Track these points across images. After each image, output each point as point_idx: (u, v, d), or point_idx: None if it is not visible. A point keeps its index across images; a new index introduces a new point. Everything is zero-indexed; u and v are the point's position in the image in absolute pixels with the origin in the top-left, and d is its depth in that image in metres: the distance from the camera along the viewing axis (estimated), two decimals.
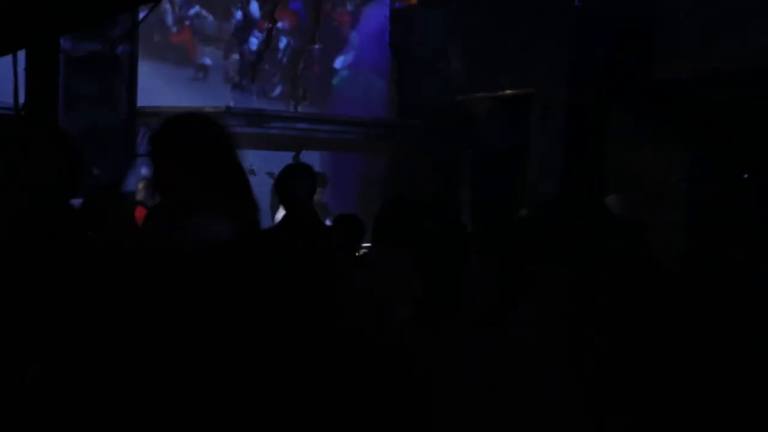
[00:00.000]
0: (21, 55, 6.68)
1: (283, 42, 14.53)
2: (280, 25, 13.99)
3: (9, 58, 6.39)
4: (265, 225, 4.42)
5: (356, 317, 3.02)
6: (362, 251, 5.39)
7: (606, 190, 7.73)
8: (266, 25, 13.79)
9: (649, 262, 2.92)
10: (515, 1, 9.87)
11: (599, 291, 2.64)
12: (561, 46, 9.35)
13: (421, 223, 4.38)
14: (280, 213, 6.18)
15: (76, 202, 2.79)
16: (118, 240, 2.51)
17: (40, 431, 1.88)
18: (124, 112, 7.79)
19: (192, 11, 15.33)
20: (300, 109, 13.27)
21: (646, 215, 6.42)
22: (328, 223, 8.12)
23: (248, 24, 14.37)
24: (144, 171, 4.92)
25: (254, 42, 14.07)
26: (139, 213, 5.49)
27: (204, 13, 15.23)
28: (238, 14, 14.68)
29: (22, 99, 6.86)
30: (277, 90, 14.54)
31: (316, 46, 14.55)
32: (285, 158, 10.47)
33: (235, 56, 14.50)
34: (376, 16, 13.27)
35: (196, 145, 2.22)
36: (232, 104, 11.86)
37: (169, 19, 14.90)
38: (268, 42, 13.32)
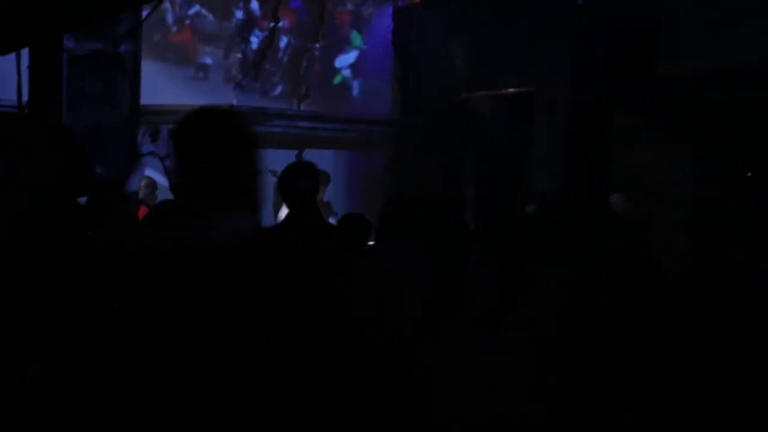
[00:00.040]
0: (24, 53, 6.70)
1: (283, 41, 14.54)
2: (280, 24, 13.99)
3: (12, 56, 6.41)
4: (268, 223, 4.44)
5: (364, 317, 3.02)
6: (369, 248, 5.39)
7: (609, 189, 7.72)
8: (268, 23, 13.79)
9: (650, 262, 2.92)
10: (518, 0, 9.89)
11: (599, 291, 2.65)
12: (564, 44, 9.35)
13: (424, 221, 4.38)
14: (284, 212, 6.19)
15: (81, 200, 2.79)
16: (120, 240, 2.51)
17: (40, 431, 1.89)
18: (126, 111, 7.80)
19: (192, 10, 15.34)
20: (302, 107, 13.29)
21: (648, 215, 6.42)
22: (331, 221, 8.14)
23: (249, 23, 14.38)
24: (147, 170, 4.90)
25: (255, 41, 14.09)
26: (142, 212, 5.50)
27: (204, 12, 15.24)
28: (239, 13, 14.69)
29: (25, 97, 6.89)
30: (278, 89, 14.55)
31: (318, 45, 14.55)
32: (288, 157, 10.49)
33: (237, 55, 14.52)
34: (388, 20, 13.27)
35: (223, 141, 2.20)
36: (234, 103, 11.89)
37: (169, 19, 14.91)
38: (271, 41, 13.33)
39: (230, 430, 1.97)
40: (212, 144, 2.18)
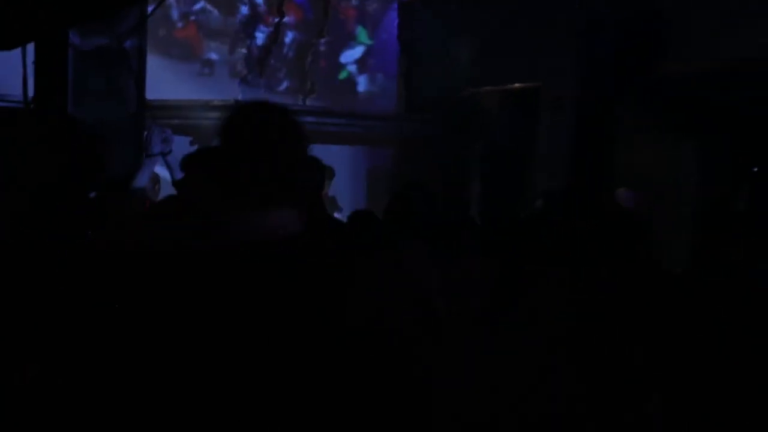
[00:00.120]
0: (30, 48, 6.71)
1: (288, 36, 14.54)
2: (285, 19, 13.99)
3: (18, 51, 6.42)
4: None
5: (365, 317, 3.02)
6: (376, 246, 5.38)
7: (612, 187, 7.72)
8: (273, 19, 13.79)
9: (650, 262, 2.93)
10: None
11: (599, 291, 2.65)
12: (569, 40, 9.34)
13: (430, 217, 4.39)
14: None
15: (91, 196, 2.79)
16: (123, 239, 2.52)
17: (40, 431, 1.90)
18: (132, 107, 7.80)
19: (197, 6, 15.34)
20: (307, 102, 13.30)
21: (651, 212, 6.42)
22: (337, 216, 8.14)
23: (254, 18, 14.38)
24: (157, 168, 4.91)
25: (260, 36, 14.09)
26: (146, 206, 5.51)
27: (209, 7, 15.24)
28: (244, 9, 14.68)
29: (30, 92, 6.90)
30: (284, 84, 14.55)
31: (323, 40, 14.55)
32: None
33: (242, 50, 14.51)
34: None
35: (271, 136, 2.19)
36: (239, 98, 11.90)
37: (175, 14, 14.92)
38: (276, 36, 13.33)
39: (231, 430, 1.98)
40: (260, 138, 2.17)
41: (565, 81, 9.35)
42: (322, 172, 4.73)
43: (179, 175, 4.61)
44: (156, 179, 7.75)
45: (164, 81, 11.98)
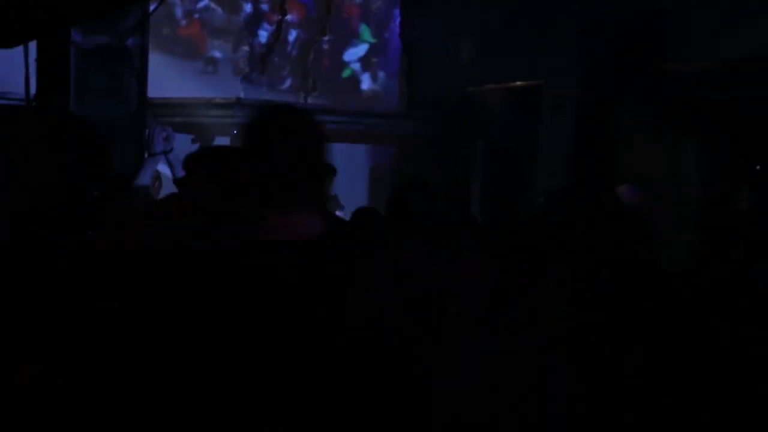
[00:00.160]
0: (32, 46, 6.71)
1: (292, 35, 14.54)
2: (289, 17, 13.99)
3: (20, 49, 6.42)
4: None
5: (366, 316, 3.02)
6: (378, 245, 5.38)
7: (615, 185, 7.72)
8: (276, 17, 13.79)
9: (650, 262, 2.93)
10: None
11: (599, 291, 2.65)
12: (571, 39, 9.34)
13: (430, 210, 4.39)
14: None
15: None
16: (124, 239, 2.52)
17: (40, 431, 1.90)
18: (134, 104, 7.81)
19: (201, 4, 15.34)
20: (309, 100, 13.30)
21: (652, 211, 6.42)
22: (338, 214, 8.13)
23: (257, 16, 14.38)
24: (160, 167, 4.91)
25: (263, 34, 14.09)
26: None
27: (213, 5, 15.23)
28: (247, 7, 14.68)
29: (32, 90, 6.91)
30: (287, 83, 14.56)
31: (326, 38, 14.54)
32: None
33: (245, 48, 14.51)
34: None
35: (292, 139, 2.19)
36: (241, 96, 11.90)
37: (178, 12, 14.93)
38: (278, 34, 13.32)
39: (231, 430, 1.98)
40: (282, 142, 2.18)
41: (565, 80, 9.35)
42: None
43: (181, 173, 4.62)
44: (157, 177, 7.76)
45: (168, 79, 11.98)
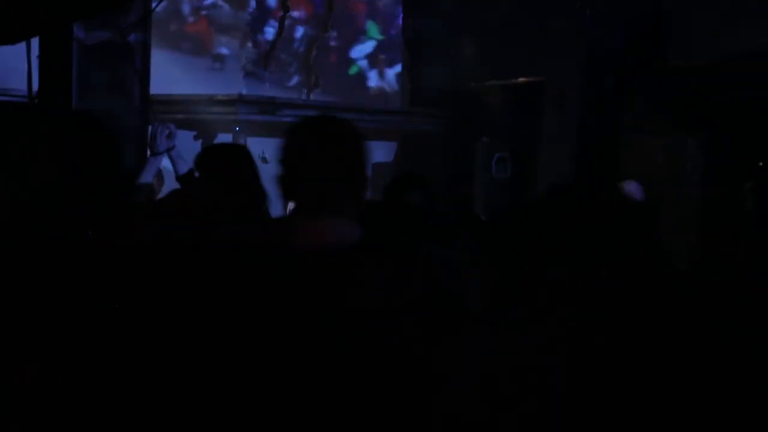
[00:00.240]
0: (34, 42, 6.71)
1: (299, 31, 14.54)
2: (296, 14, 13.98)
3: (22, 45, 6.42)
4: (276, 215, 4.44)
5: (367, 316, 3.02)
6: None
7: (617, 181, 7.71)
8: (279, 13, 13.79)
9: (650, 262, 2.92)
10: None
11: (599, 291, 2.64)
12: (575, 34, 9.34)
13: (427, 205, 4.38)
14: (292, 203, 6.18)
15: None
16: (128, 238, 2.52)
17: (40, 431, 1.90)
18: (137, 101, 7.82)
19: (208, 1, 15.32)
20: (313, 97, 13.28)
21: (656, 208, 6.41)
22: None
23: (263, 13, 14.37)
24: (163, 164, 4.92)
25: (270, 31, 14.08)
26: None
27: (220, 2, 15.22)
28: (253, 3, 14.67)
29: (35, 87, 6.91)
30: (294, 80, 14.56)
31: (329, 34, 14.52)
32: None
33: (249, 44, 14.50)
34: None
35: (332, 150, 2.22)
36: (244, 92, 11.89)
37: (186, 9, 14.93)
38: (281, 31, 13.32)
39: (231, 430, 1.98)
40: (322, 150, 2.20)
41: (567, 77, 9.34)
42: None
43: (182, 169, 4.62)
44: (159, 174, 7.77)
45: (175, 76, 11.98)
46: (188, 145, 8.71)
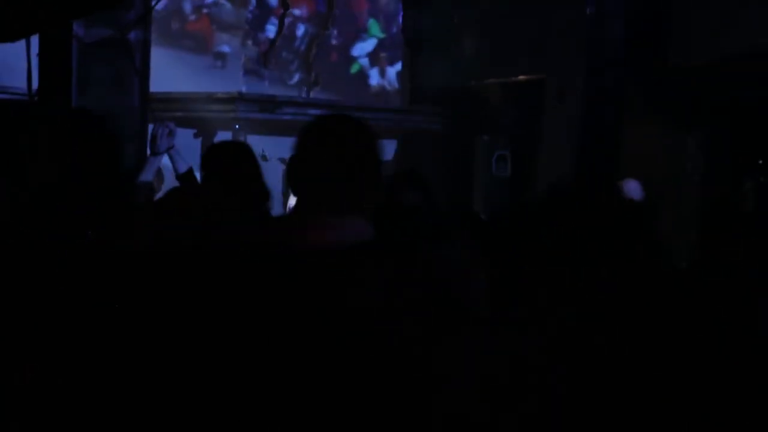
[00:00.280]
0: (34, 40, 6.71)
1: (300, 29, 14.56)
2: (297, 12, 14.01)
3: (22, 43, 6.42)
4: (277, 212, 4.44)
5: (367, 315, 3.02)
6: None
7: (617, 179, 7.72)
8: (280, 11, 13.83)
9: (650, 262, 2.92)
10: None
11: (599, 291, 2.64)
12: (575, 33, 9.34)
13: (424, 202, 4.37)
14: (293, 200, 6.19)
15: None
16: (130, 237, 2.52)
17: (40, 431, 1.90)
18: (136, 99, 7.82)
19: None
20: (313, 95, 13.32)
21: (657, 207, 6.42)
22: None
23: (264, 11, 14.39)
24: (163, 162, 4.92)
25: (271, 29, 14.11)
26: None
27: (221, 0, 15.25)
28: (254, 1, 14.70)
29: (35, 85, 6.91)
30: (295, 77, 14.57)
31: (330, 32, 14.54)
32: None
33: (249, 42, 14.53)
34: None
35: (347, 149, 2.22)
36: (244, 90, 11.91)
37: (187, 8, 14.96)
38: (281, 29, 13.35)
39: (231, 430, 1.98)
40: (334, 148, 2.20)
41: (568, 75, 9.35)
42: None
43: (182, 168, 4.62)
44: (158, 172, 7.77)
45: (176, 74, 12.00)
46: (188, 143, 8.73)
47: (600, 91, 9.06)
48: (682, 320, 2.74)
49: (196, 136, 10.45)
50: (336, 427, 2.01)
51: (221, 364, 1.99)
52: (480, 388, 2.50)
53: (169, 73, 10.73)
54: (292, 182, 2.24)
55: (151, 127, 4.93)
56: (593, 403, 2.54)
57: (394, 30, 14.76)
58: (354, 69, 15.81)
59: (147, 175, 4.64)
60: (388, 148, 12.33)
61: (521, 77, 10.19)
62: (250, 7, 14.67)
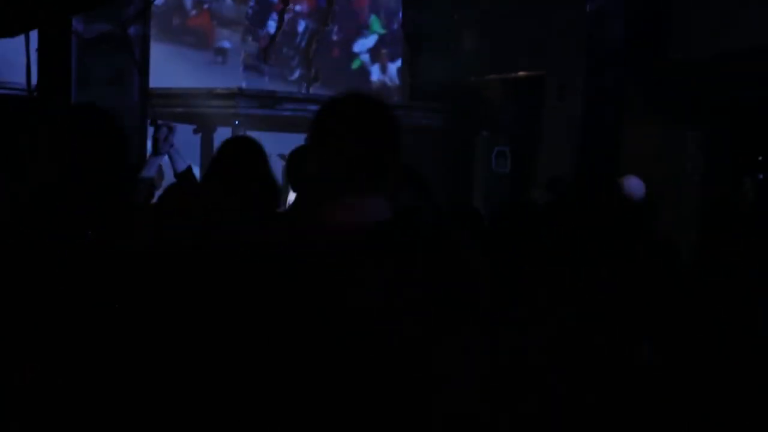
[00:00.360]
0: (33, 35, 6.70)
1: (301, 25, 14.55)
2: (298, 8, 14.01)
3: (21, 38, 6.41)
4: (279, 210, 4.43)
5: (368, 315, 3.01)
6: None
7: (618, 176, 7.70)
8: (280, 7, 13.82)
9: (650, 262, 2.93)
10: None
11: (599, 291, 2.64)
12: (575, 29, 9.33)
13: (421, 200, 4.36)
14: (292, 196, 6.18)
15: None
16: (132, 235, 2.51)
17: (40, 431, 1.90)
18: (136, 94, 7.81)
19: None
20: (313, 91, 13.30)
21: (657, 205, 6.41)
22: None
23: (264, 7, 14.38)
24: (164, 160, 4.92)
25: (272, 25, 14.10)
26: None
27: None
28: None
29: (34, 80, 6.90)
30: (296, 73, 14.56)
31: (330, 28, 14.53)
32: (297, 140, 10.52)
33: (249, 38, 14.52)
34: None
35: (366, 126, 2.22)
36: (244, 86, 11.90)
37: (188, 3, 14.95)
38: (281, 24, 13.33)
39: (232, 430, 1.98)
40: (356, 128, 2.19)
41: (568, 71, 9.34)
42: None
43: (181, 167, 4.62)
44: (159, 169, 7.76)
45: (177, 69, 12.00)
46: (188, 139, 8.73)
47: (600, 91, 9.06)
48: (681, 320, 2.74)
49: (195, 131, 10.44)
50: (336, 428, 2.01)
51: (221, 364, 1.99)
52: (480, 388, 2.50)
53: (169, 68, 10.73)
54: (311, 165, 2.22)
55: (151, 130, 4.93)
56: (593, 402, 2.54)
57: (395, 26, 14.75)
58: (355, 65, 15.82)
59: (149, 172, 4.65)
60: None
61: (521, 74, 10.19)
62: (251, 3, 14.65)
